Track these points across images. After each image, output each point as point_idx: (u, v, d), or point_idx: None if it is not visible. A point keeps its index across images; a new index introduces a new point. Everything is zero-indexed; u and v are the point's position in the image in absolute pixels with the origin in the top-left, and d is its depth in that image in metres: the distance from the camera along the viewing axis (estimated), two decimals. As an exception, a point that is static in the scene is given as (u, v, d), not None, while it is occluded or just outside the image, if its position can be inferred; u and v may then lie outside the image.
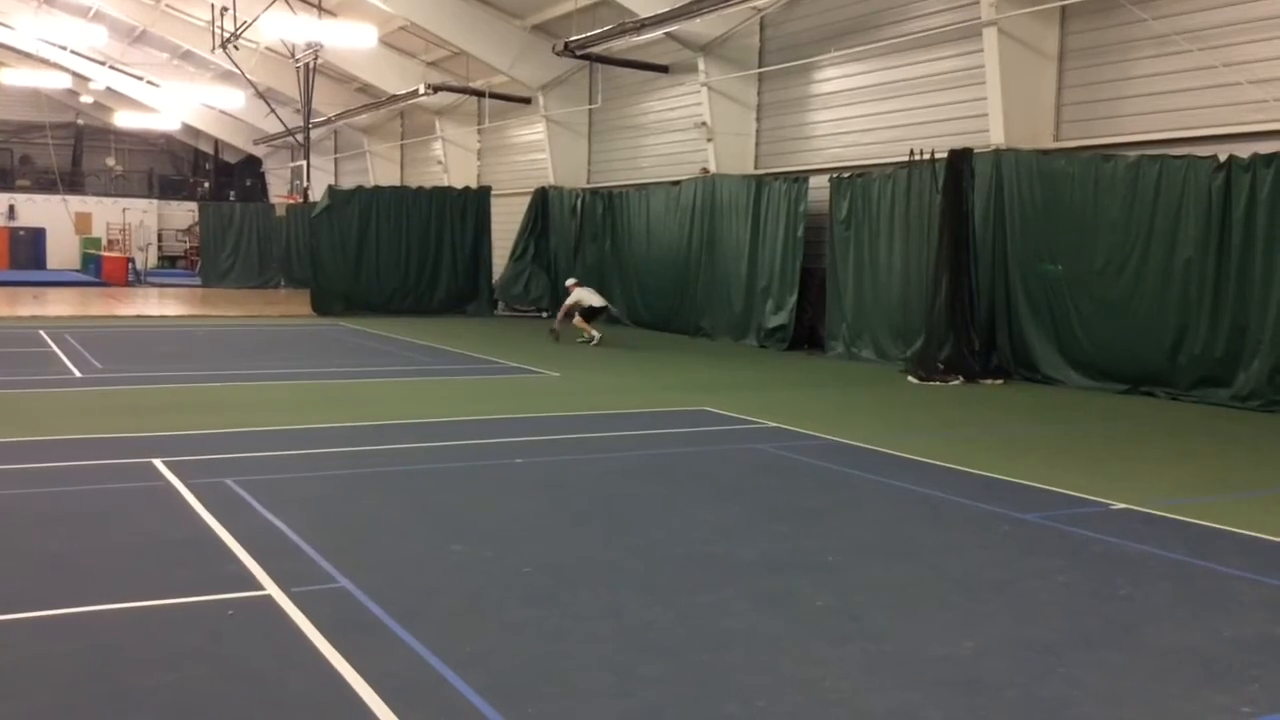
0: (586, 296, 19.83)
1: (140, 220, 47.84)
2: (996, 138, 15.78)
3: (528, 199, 27.66)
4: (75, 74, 41.33)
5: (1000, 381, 15.06)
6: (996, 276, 15.61)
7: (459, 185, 28.61)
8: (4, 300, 26.88)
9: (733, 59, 21.49)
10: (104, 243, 46.23)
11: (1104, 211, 14.17)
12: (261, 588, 5.49)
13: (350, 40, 26.82)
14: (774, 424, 10.98)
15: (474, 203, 27.01)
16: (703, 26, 20.83)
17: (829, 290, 18.52)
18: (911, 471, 8.81)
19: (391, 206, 26.21)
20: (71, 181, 49.46)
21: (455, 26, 26.02)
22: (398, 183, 34.80)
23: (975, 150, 15.74)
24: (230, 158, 53.14)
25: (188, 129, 48.93)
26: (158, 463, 8.39)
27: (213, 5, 29.31)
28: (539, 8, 25.78)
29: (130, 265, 38.15)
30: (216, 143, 51.58)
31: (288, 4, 26.80)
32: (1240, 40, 13.43)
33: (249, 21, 27.57)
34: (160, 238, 49.23)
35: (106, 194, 49.47)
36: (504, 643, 4.83)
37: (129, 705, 4.14)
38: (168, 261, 48.62)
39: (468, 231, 26.87)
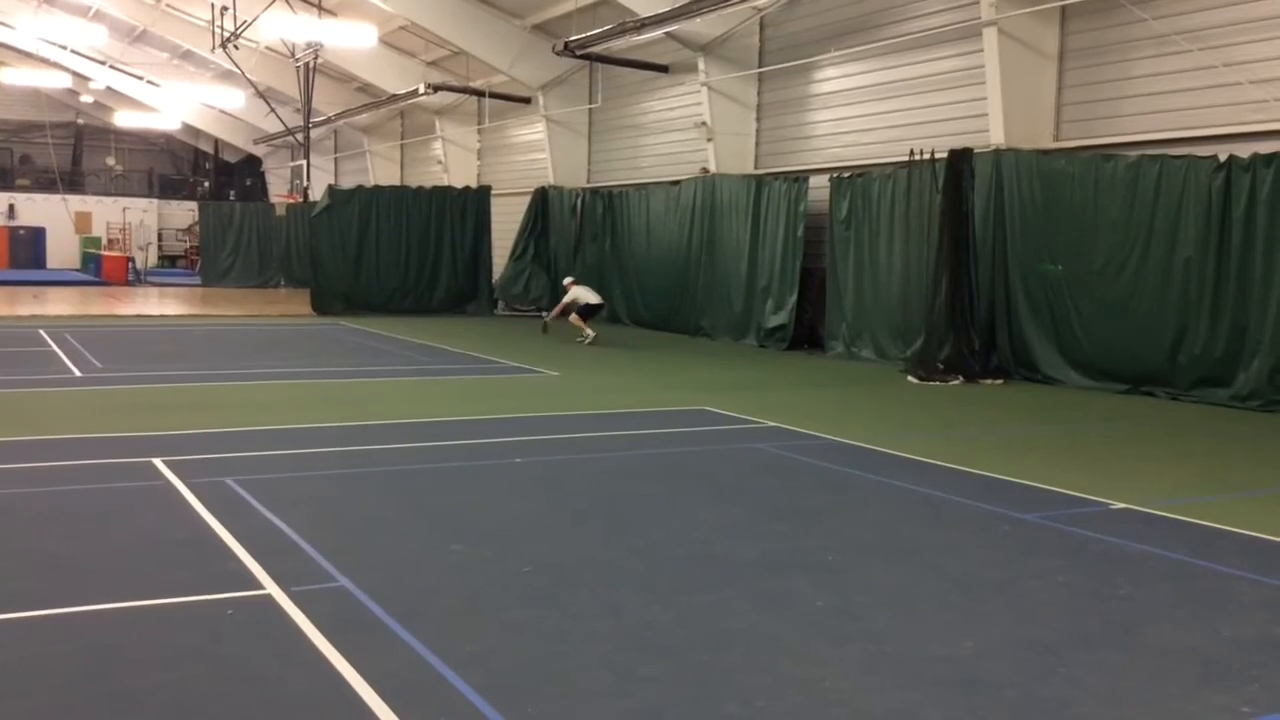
0: (583, 294, 19.89)
1: (140, 220, 47.84)
2: (996, 138, 15.78)
3: (528, 199, 27.66)
4: (75, 73, 41.32)
5: (1000, 381, 15.06)
6: (996, 276, 15.61)
7: (459, 185, 28.58)
8: (4, 300, 26.86)
9: (733, 59, 21.49)
10: (104, 242, 46.20)
11: (1104, 211, 14.17)
12: (261, 587, 5.49)
13: (350, 40, 26.80)
14: (774, 424, 10.98)
15: (474, 202, 27.00)
16: (703, 26, 20.83)
17: (829, 290, 18.52)
18: (911, 471, 8.81)
19: (391, 206, 26.20)
20: (71, 181, 49.44)
21: (455, 26, 26.01)
22: (398, 182, 34.79)
23: (975, 150, 15.75)
24: (230, 157, 53.13)
25: (188, 128, 48.92)
26: (157, 462, 8.39)
27: (213, 5, 29.29)
28: (539, 7, 25.77)
29: (130, 265, 38.13)
30: (216, 142, 51.57)
31: (288, 3, 26.78)
32: (1240, 40, 13.43)
33: (249, 21, 27.56)
34: (160, 237, 49.22)
35: (106, 193, 49.45)
36: (504, 642, 4.82)
37: (128, 705, 4.13)
38: (168, 261, 48.61)
39: (468, 231, 26.86)
